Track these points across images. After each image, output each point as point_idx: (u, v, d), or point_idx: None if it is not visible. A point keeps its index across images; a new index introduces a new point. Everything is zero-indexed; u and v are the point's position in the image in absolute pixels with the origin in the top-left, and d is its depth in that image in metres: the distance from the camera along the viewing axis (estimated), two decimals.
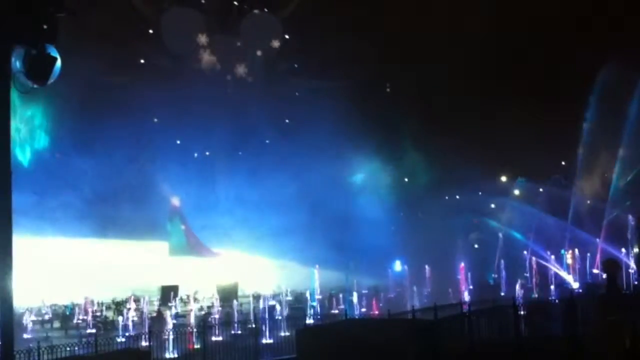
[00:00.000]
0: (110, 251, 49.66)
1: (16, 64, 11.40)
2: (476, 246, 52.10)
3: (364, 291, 41.33)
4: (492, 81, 54.15)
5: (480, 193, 56.15)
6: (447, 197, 56.26)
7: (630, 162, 49.58)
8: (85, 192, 52.02)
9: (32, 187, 45.62)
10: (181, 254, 54.75)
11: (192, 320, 32.71)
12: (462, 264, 48.16)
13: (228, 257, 52.21)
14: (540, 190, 53.75)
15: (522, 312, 22.08)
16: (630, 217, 47.63)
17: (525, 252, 50.62)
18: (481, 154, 53.03)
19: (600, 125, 49.56)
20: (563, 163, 54.24)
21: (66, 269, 43.30)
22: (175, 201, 57.08)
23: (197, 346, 25.69)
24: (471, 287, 44.24)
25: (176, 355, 25.19)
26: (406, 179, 59.55)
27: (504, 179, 57.49)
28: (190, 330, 26.82)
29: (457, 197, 57.34)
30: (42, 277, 39.34)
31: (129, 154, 53.86)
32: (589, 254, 47.94)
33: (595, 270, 46.18)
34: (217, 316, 35.46)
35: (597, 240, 48.95)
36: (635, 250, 47.92)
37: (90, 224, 49.78)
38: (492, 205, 55.44)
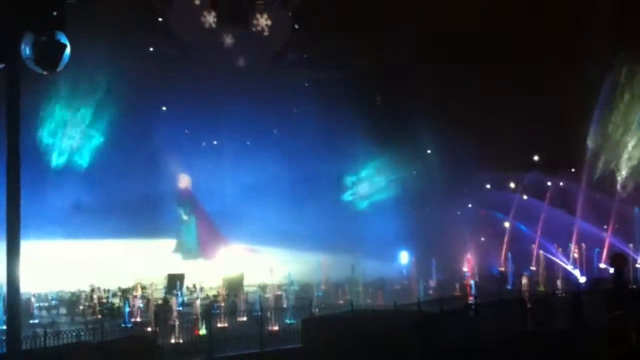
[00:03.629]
0: (118, 250, 48.91)
1: (26, 50, 11.40)
2: (483, 239, 51.98)
3: (369, 282, 41.29)
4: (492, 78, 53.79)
5: (488, 186, 55.93)
6: (455, 190, 56.10)
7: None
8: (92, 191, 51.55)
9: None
10: (194, 257, 50.56)
11: (198, 307, 32.91)
12: (469, 257, 48.10)
13: (233, 248, 51.80)
14: (549, 183, 53.52)
15: (528, 306, 22.10)
16: (637, 210, 47.41)
17: (532, 246, 50.46)
18: (486, 149, 52.84)
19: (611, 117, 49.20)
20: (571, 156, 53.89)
21: (75, 265, 43.12)
22: (183, 183, 52.45)
23: (202, 332, 25.92)
24: (477, 279, 44.17)
25: (181, 341, 25.35)
26: (415, 172, 59.26)
27: (512, 171, 57.19)
28: (196, 317, 27.00)
29: (465, 190, 57.24)
30: (51, 270, 39.30)
31: (136, 144, 53.62)
32: (597, 249, 47.76)
33: (602, 265, 46.00)
34: (222, 304, 35.57)
35: (605, 234, 48.74)
36: None
37: (101, 224, 49.46)
38: (500, 198, 55.24)
